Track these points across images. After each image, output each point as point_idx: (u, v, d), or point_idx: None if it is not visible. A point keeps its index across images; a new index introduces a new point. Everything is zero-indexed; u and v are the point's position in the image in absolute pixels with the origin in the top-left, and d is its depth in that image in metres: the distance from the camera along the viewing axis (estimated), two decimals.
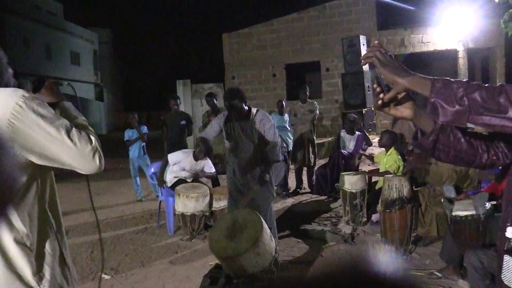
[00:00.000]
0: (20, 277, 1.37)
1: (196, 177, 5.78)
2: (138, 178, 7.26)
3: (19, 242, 1.37)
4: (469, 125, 1.18)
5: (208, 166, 5.85)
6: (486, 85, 1.17)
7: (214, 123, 4.36)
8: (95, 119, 24.37)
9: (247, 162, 4.18)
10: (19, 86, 1.61)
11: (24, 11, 22.74)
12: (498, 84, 1.17)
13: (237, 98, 4.05)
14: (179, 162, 5.69)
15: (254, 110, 4.24)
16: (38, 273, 1.40)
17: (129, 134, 7.21)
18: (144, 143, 7.23)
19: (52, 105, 1.66)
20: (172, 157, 5.72)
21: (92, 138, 1.46)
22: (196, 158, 5.62)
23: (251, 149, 4.16)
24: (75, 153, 1.41)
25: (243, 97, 4.11)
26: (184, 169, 5.68)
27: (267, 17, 15.34)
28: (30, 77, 1.77)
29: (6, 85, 1.51)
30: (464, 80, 1.20)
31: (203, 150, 5.48)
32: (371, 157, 6.45)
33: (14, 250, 1.36)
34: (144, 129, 7.28)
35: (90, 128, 1.59)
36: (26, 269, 1.37)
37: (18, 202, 1.38)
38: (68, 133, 1.41)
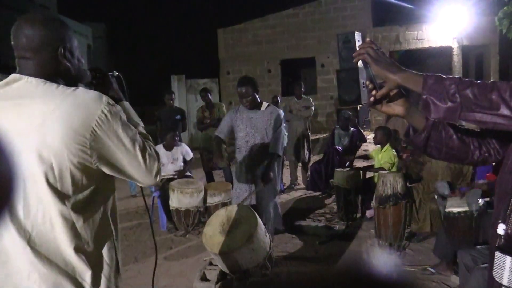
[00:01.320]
0: (77, 284, 1.34)
1: (182, 173, 5.74)
2: None
3: (80, 249, 1.34)
4: (461, 122, 1.18)
5: (186, 152, 5.84)
6: (478, 82, 1.17)
7: (227, 118, 4.39)
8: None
9: (255, 153, 4.19)
10: (80, 76, 1.54)
11: (17, 5, 22.54)
12: (490, 81, 1.17)
13: (250, 85, 4.12)
14: None
15: (265, 103, 4.32)
16: (95, 282, 1.37)
17: None
18: None
19: None
20: None
21: (157, 156, 1.45)
22: (169, 146, 5.66)
23: (258, 142, 4.18)
24: (143, 169, 1.40)
25: (255, 86, 4.18)
26: (163, 164, 5.67)
27: (262, 13, 15.31)
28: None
29: (78, 78, 1.47)
30: (456, 76, 1.20)
31: (172, 135, 5.63)
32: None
33: (74, 257, 1.33)
34: None
35: (150, 137, 1.54)
36: (85, 278, 1.34)
37: (84, 208, 1.35)
38: (142, 148, 1.39)
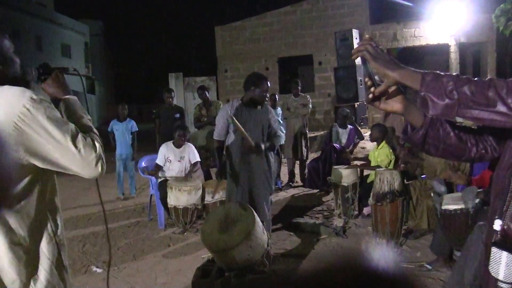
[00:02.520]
0: (15, 280, 1.35)
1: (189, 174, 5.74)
2: (122, 175, 7.00)
3: (15, 245, 1.35)
4: (458, 119, 1.19)
5: (193, 153, 5.83)
6: (476, 79, 1.18)
7: (219, 119, 4.25)
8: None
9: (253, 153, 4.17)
10: (23, 73, 1.56)
11: (14, 3, 22.45)
12: (487, 78, 1.18)
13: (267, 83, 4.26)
14: (165, 156, 5.71)
15: None
16: (34, 276, 1.38)
17: (113, 127, 6.96)
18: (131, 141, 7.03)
19: (57, 100, 1.61)
20: (160, 160, 5.73)
21: (97, 145, 1.45)
22: (178, 144, 5.69)
23: (257, 137, 4.14)
24: (79, 160, 1.39)
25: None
26: (170, 161, 5.68)
27: (260, 10, 15.33)
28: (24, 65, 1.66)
29: (15, 77, 1.47)
30: (454, 74, 1.21)
31: (182, 134, 5.65)
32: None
33: (10, 253, 1.34)
34: (134, 125, 7.03)
35: (95, 130, 1.55)
36: (22, 273, 1.35)
37: (18, 204, 1.36)
38: (73, 139, 1.38)
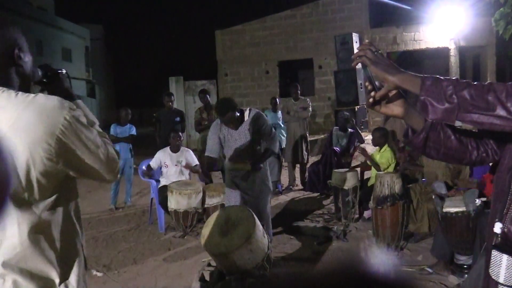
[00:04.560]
0: (47, 286, 1.34)
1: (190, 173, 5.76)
2: (119, 183, 6.65)
3: (49, 252, 1.35)
4: (458, 122, 1.19)
5: (191, 157, 5.82)
6: (475, 83, 1.18)
7: (212, 136, 4.21)
8: None
9: (247, 158, 4.14)
10: (32, 74, 1.53)
11: (15, 7, 22.51)
12: (486, 82, 1.18)
13: (230, 111, 3.93)
14: (161, 161, 5.70)
15: (247, 111, 4.16)
16: (64, 281, 1.38)
17: (116, 130, 6.78)
18: (131, 145, 6.87)
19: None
20: (153, 162, 5.73)
21: (116, 154, 1.48)
22: (174, 146, 5.72)
23: (249, 152, 4.12)
24: (105, 169, 1.42)
25: (235, 107, 3.99)
26: (167, 166, 5.67)
27: (260, 14, 15.34)
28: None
29: (33, 75, 1.48)
30: (453, 78, 1.22)
31: (176, 136, 5.70)
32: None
33: (44, 261, 1.33)
34: (133, 129, 6.90)
35: (106, 135, 1.54)
36: (54, 278, 1.35)
37: (52, 214, 1.36)
38: (103, 150, 1.41)
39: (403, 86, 1.26)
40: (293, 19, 14.81)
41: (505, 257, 1.24)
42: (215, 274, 3.40)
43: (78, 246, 1.46)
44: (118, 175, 1.54)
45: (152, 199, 5.79)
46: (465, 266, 3.64)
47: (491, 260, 1.27)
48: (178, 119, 6.95)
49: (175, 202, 5.11)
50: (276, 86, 15.02)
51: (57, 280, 1.35)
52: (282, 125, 7.90)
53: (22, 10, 23.33)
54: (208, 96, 7.09)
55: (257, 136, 4.11)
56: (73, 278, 1.41)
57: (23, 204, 1.30)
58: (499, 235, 1.28)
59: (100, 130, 1.55)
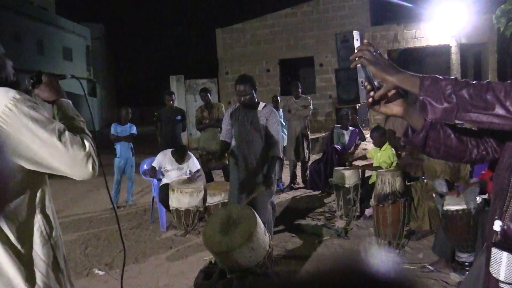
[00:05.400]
0: (11, 285, 1.33)
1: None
2: (120, 182, 6.68)
3: (8, 249, 1.33)
4: (457, 121, 1.20)
5: (193, 163, 5.79)
6: (474, 82, 1.19)
7: (225, 121, 4.34)
8: (87, 115, 24.20)
9: (251, 152, 4.16)
10: (16, 82, 1.54)
11: (16, 6, 22.51)
12: (485, 82, 1.18)
13: (249, 84, 4.08)
14: (162, 165, 5.69)
15: (262, 104, 4.25)
16: (29, 280, 1.36)
17: (116, 130, 6.73)
18: (132, 144, 6.83)
19: (51, 103, 1.62)
20: (156, 164, 5.72)
21: (86, 143, 1.40)
22: (178, 161, 5.66)
23: (255, 140, 4.14)
24: (67, 159, 1.35)
25: (254, 85, 4.14)
26: (167, 170, 5.66)
27: (260, 12, 15.33)
28: (24, 73, 1.66)
29: (6, 79, 1.46)
30: (452, 77, 1.22)
31: (180, 158, 5.60)
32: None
33: (3, 258, 1.32)
34: (133, 129, 6.86)
35: (87, 131, 1.52)
36: (17, 277, 1.33)
37: (8, 208, 1.33)
38: (60, 138, 1.34)
39: (402, 86, 1.26)
40: (294, 17, 14.80)
41: (505, 254, 1.25)
42: (217, 273, 3.41)
43: (45, 244, 1.42)
44: (91, 172, 1.39)
45: (153, 197, 5.80)
46: (466, 264, 3.64)
47: (491, 258, 1.28)
48: (179, 117, 6.95)
49: (176, 200, 5.12)
50: (277, 84, 15.01)
51: (18, 280, 1.34)
52: (284, 124, 7.90)
53: (23, 9, 23.33)
54: (209, 95, 7.09)
55: (263, 130, 4.13)
56: (38, 278, 1.38)
57: None
58: (498, 233, 1.28)
59: (82, 126, 1.54)
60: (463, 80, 1.20)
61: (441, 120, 1.23)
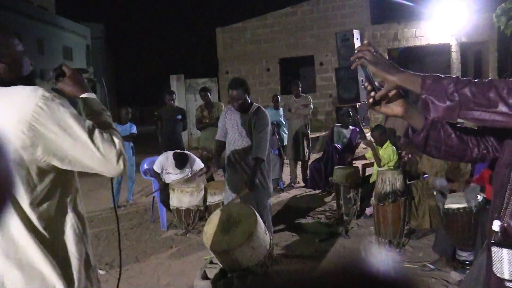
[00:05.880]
0: (46, 284, 1.33)
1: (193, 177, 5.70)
2: (121, 182, 6.61)
3: (43, 248, 1.33)
4: (460, 120, 1.19)
5: (196, 163, 5.75)
6: (476, 80, 1.18)
7: (220, 121, 4.29)
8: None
9: (242, 155, 4.14)
10: (41, 73, 1.53)
11: (16, 6, 22.51)
12: (487, 79, 1.18)
13: (241, 88, 4.02)
14: (163, 168, 5.64)
15: (255, 106, 4.17)
16: (65, 277, 1.36)
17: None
18: (132, 143, 6.80)
19: (75, 98, 1.58)
20: (157, 167, 5.66)
21: (116, 140, 1.39)
22: (179, 166, 5.58)
23: (247, 143, 4.12)
24: (99, 157, 1.34)
25: (247, 89, 4.09)
26: (169, 172, 5.64)
27: (261, 12, 15.31)
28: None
29: (26, 76, 1.46)
30: (454, 76, 1.22)
31: (181, 164, 5.54)
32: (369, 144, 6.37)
33: (38, 257, 1.32)
34: (134, 128, 6.85)
35: (114, 126, 1.50)
36: (52, 275, 1.34)
37: (42, 207, 1.34)
38: (91, 136, 1.33)
39: (403, 86, 1.26)
40: (294, 16, 14.79)
41: (505, 251, 1.24)
42: (217, 272, 3.41)
43: (79, 241, 1.43)
44: (122, 168, 1.39)
45: (154, 197, 5.80)
46: (467, 262, 3.64)
47: (493, 258, 1.27)
48: (179, 117, 6.95)
49: (177, 200, 5.12)
50: (277, 83, 15.00)
51: (53, 277, 1.34)
52: (284, 123, 7.90)
53: (23, 9, 23.34)
54: (209, 94, 7.08)
55: (251, 133, 4.08)
56: (74, 276, 1.39)
57: (13, 198, 1.28)
58: (498, 232, 1.28)
59: (109, 121, 1.52)
60: (465, 78, 1.20)
61: (444, 119, 1.22)
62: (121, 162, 1.39)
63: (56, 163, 1.33)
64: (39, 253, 1.33)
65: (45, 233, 1.34)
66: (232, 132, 4.15)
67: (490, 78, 1.20)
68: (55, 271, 1.34)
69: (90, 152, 1.33)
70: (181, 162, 5.59)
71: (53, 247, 1.36)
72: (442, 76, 1.21)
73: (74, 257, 1.41)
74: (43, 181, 1.34)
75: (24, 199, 1.31)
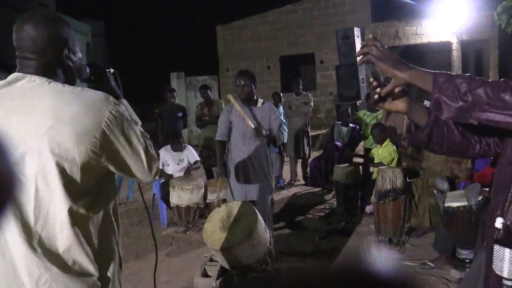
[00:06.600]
0: (87, 283, 1.35)
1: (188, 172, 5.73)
2: (122, 179, 6.51)
3: (86, 247, 1.35)
4: (472, 120, 1.17)
5: (191, 154, 5.83)
6: (490, 81, 1.15)
7: (223, 118, 4.24)
8: None
9: (252, 149, 4.11)
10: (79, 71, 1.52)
11: (15, 3, 22.48)
12: (501, 80, 1.15)
13: (249, 77, 4.07)
14: (163, 160, 5.70)
15: (261, 100, 4.22)
16: (102, 277, 1.38)
17: None
18: None
19: None
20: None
21: (152, 151, 1.46)
22: (175, 148, 5.72)
23: (253, 137, 4.10)
24: (145, 167, 1.42)
25: (255, 80, 4.13)
26: (168, 164, 5.68)
27: (261, 9, 15.28)
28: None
29: (79, 73, 1.49)
30: (466, 74, 1.18)
31: (176, 142, 5.67)
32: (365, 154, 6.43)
33: (82, 256, 1.34)
34: None
35: (148, 135, 1.54)
36: (92, 272, 1.35)
37: (91, 208, 1.36)
38: (144, 149, 1.40)
39: (413, 83, 1.21)
40: (294, 13, 14.76)
41: (507, 251, 1.24)
42: (217, 269, 3.42)
43: (114, 243, 1.46)
44: (155, 178, 1.50)
45: (154, 194, 5.80)
46: (467, 261, 3.64)
47: (494, 255, 1.27)
48: (180, 114, 6.95)
49: (177, 197, 5.12)
50: (278, 81, 14.99)
51: (95, 275, 1.36)
52: (284, 120, 7.89)
53: (23, 6, 23.30)
54: (209, 92, 7.08)
55: (266, 126, 4.10)
56: (109, 275, 1.41)
57: (67, 194, 1.30)
58: (500, 230, 1.27)
59: (143, 130, 1.54)
60: (477, 78, 1.16)
61: (456, 119, 1.19)
62: (155, 170, 1.47)
63: (111, 167, 1.38)
64: (81, 253, 1.34)
65: (90, 233, 1.36)
66: (242, 125, 4.06)
67: (504, 79, 1.16)
68: (95, 271, 1.36)
69: (140, 163, 1.40)
70: (176, 141, 5.75)
71: (96, 247, 1.37)
72: (454, 74, 1.17)
73: (109, 258, 1.43)
74: (97, 184, 1.37)
75: (79, 200, 1.33)
